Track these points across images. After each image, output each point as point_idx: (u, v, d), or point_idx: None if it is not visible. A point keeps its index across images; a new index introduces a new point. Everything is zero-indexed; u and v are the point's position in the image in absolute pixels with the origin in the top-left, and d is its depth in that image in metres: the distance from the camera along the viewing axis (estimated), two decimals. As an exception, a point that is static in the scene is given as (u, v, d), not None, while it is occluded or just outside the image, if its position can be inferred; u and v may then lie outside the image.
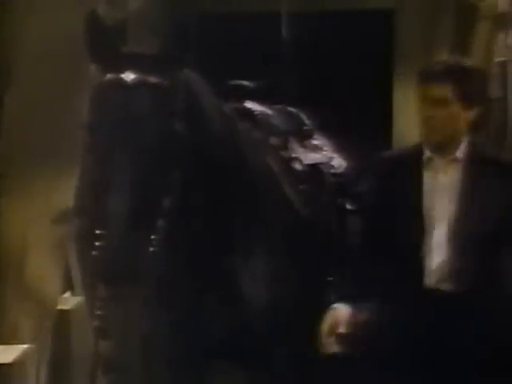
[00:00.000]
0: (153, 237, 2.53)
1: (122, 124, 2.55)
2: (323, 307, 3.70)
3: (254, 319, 3.01)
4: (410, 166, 3.08)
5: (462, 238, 2.96)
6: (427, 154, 3.09)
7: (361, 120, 5.27)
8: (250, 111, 3.35)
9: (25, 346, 3.43)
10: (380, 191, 3.13)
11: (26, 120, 4.04)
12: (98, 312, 2.46)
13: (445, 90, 2.98)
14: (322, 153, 3.96)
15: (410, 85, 5.56)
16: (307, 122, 4.11)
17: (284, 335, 3.13)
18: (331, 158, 4.00)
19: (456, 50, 5.43)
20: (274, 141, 3.46)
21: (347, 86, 6.26)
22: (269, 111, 3.66)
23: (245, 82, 3.22)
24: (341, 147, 4.17)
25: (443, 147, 3.04)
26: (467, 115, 3.03)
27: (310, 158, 3.70)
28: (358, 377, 3.10)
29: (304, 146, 3.79)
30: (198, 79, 2.85)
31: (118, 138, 2.54)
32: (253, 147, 3.14)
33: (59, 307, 3.90)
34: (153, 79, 2.61)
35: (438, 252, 2.95)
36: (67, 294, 4.19)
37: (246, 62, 5.27)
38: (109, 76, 2.63)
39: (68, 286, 4.20)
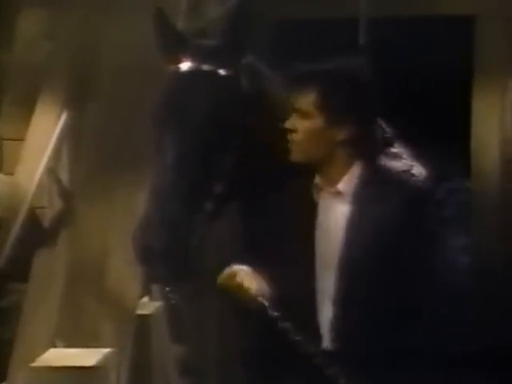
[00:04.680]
0: (198, 218, 2.56)
1: (176, 110, 2.64)
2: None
3: None
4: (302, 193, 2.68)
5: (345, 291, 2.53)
6: (317, 179, 2.70)
7: (439, 128, 5.23)
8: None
9: (106, 349, 3.46)
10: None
11: (107, 127, 4.09)
12: None
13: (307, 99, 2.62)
14: (402, 161, 3.91)
15: (490, 92, 5.54)
16: (387, 129, 4.06)
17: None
18: (411, 166, 3.95)
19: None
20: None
21: (425, 94, 6.20)
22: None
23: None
24: (419, 155, 4.12)
25: (324, 174, 2.67)
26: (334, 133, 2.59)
27: (392, 166, 3.65)
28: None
29: (385, 154, 3.75)
30: (270, 76, 2.91)
31: (172, 122, 2.62)
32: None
33: (138, 312, 3.93)
34: (207, 67, 2.66)
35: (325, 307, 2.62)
36: (145, 299, 4.22)
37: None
38: (171, 67, 2.74)
39: (146, 291, 4.23)
